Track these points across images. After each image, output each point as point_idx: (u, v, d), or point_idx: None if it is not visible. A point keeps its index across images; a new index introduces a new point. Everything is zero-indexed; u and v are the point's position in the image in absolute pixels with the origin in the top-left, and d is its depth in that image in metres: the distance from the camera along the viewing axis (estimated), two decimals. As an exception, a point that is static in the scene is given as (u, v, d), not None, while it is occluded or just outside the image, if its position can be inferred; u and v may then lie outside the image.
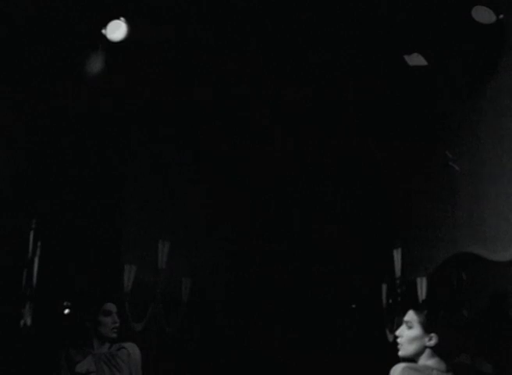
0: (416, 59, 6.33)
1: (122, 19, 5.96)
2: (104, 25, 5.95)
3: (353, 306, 7.56)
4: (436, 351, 3.07)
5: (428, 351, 3.08)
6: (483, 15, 5.73)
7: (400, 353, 3.14)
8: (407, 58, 6.35)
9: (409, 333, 3.10)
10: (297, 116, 6.99)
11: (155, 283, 6.60)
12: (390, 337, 6.55)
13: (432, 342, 3.06)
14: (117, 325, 4.42)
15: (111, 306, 4.42)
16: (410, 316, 3.13)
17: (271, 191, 7.28)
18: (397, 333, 3.15)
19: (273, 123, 7.04)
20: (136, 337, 5.57)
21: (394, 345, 3.22)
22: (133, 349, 4.48)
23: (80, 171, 5.99)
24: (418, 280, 6.47)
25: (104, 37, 5.96)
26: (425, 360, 3.08)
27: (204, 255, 7.02)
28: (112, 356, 4.39)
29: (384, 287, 6.91)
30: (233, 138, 7.10)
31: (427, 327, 3.07)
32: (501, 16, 5.70)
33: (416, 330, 3.09)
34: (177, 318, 6.65)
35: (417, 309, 3.14)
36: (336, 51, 6.32)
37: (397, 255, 6.73)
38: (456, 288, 6.15)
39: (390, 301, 6.85)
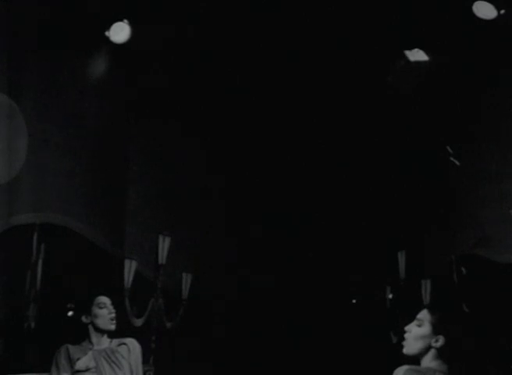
0: (417, 55, 6.33)
1: (125, 21, 5.98)
2: (108, 27, 5.96)
3: (354, 301, 7.57)
4: (440, 353, 3.06)
5: (432, 352, 3.07)
6: (484, 10, 5.73)
7: (405, 350, 3.13)
8: (408, 53, 6.35)
9: (417, 331, 3.10)
10: (301, 118, 7.00)
11: (156, 279, 6.61)
12: (394, 339, 6.56)
13: (438, 344, 3.05)
14: (114, 315, 4.44)
15: (104, 299, 4.45)
16: (424, 314, 3.13)
17: (273, 190, 7.28)
18: (406, 328, 3.14)
19: (275, 120, 7.05)
20: (136, 333, 5.57)
21: (398, 347, 3.21)
22: (133, 345, 4.49)
23: (81, 169, 5.98)
24: (422, 282, 6.49)
25: (107, 39, 5.98)
26: (428, 362, 3.06)
27: (205, 250, 7.02)
28: (112, 352, 4.40)
29: (388, 289, 6.92)
30: (235, 136, 7.11)
31: (436, 328, 3.07)
32: (502, 12, 5.70)
33: (425, 329, 3.09)
34: (177, 314, 6.66)
35: (431, 309, 3.14)
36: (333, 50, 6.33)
37: (401, 258, 6.74)
38: (460, 290, 6.15)
39: (394, 303, 6.86)
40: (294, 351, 7.10)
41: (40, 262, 5.49)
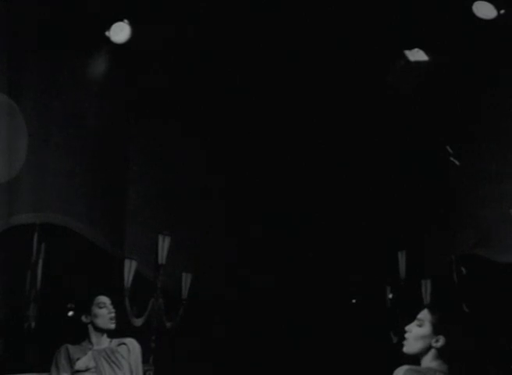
0: (417, 55, 6.33)
1: (125, 21, 5.98)
2: (108, 27, 5.97)
3: (354, 301, 7.57)
4: (441, 353, 3.06)
5: (432, 352, 3.07)
6: (484, 10, 5.72)
7: (405, 349, 3.13)
8: (408, 53, 6.35)
9: (417, 331, 3.10)
10: (301, 118, 6.99)
11: (156, 279, 6.61)
12: (394, 339, 6.56)
13: (439, 344, 3.05)
14: (113, 315, 4.44)
15: (104, 299, 4.46)
16: (424, 314, 3.13)
17: (273, 190, 7.27)
18: (406, 328, 3.14)
19: (275, 120, 7.05)
20: (136, 333, 5.57)
21: (398, 347, 3.21)
22: (132, 345, 4.49)
23: (81, 169, 5.99)
24: (422, 282, 6.49)
25: (107, 39, 5.98)
26: (429, 361, 3.06)
27: (205, 250, 7.01)
28: (111, 352, 4.40)
29: (388, 289, 6.92)
30: (235, 136, 7.11)
31: (436, 328, 3.07)
32: (502, 12, 5.69)
33: (425, 329, 3.09)
34: (177, 314, 6.65)
35: (432, 309, 3.14)
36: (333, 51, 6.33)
37: (401, 258, 6.74)
38: (460, 290, 6.15)
39: (394, 302, 6.86)
40: (294, 351, 7.10)
41: (40, 262, 5.49)
